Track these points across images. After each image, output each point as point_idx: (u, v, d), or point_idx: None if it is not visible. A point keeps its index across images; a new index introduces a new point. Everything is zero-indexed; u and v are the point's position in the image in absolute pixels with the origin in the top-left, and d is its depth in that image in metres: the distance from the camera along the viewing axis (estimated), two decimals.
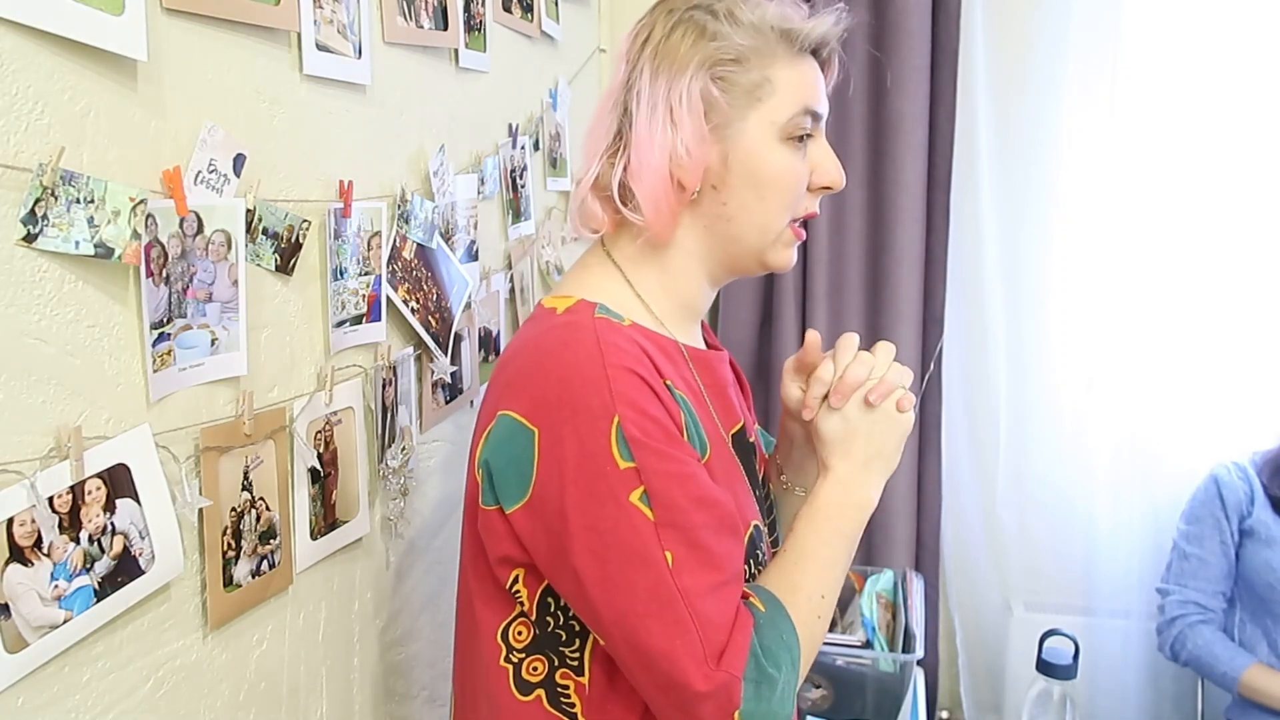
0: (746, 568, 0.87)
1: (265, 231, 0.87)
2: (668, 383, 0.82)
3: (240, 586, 0.86)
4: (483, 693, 0.88)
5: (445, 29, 1.19)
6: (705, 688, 0.74)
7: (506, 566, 0.84)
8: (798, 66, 0.87)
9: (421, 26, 1.14)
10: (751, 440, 1.00)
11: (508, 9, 1.41)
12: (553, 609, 0.85)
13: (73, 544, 0.68)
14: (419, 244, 1.13)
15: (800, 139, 0.87)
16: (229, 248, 0.82)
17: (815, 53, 0.89)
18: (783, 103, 0.85)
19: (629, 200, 0.87)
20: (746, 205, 0.87)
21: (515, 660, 0.86)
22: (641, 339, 0.83)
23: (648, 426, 0.77)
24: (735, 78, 0.84)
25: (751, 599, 0.81)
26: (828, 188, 0.91)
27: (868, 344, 0.92)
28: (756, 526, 0.91)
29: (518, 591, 0.85)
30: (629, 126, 0.86)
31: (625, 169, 0.86)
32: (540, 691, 0.86)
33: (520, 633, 0.86)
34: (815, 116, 0.88)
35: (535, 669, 0.86)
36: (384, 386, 1.08)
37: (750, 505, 0.92)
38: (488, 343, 1.38)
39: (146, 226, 0.72)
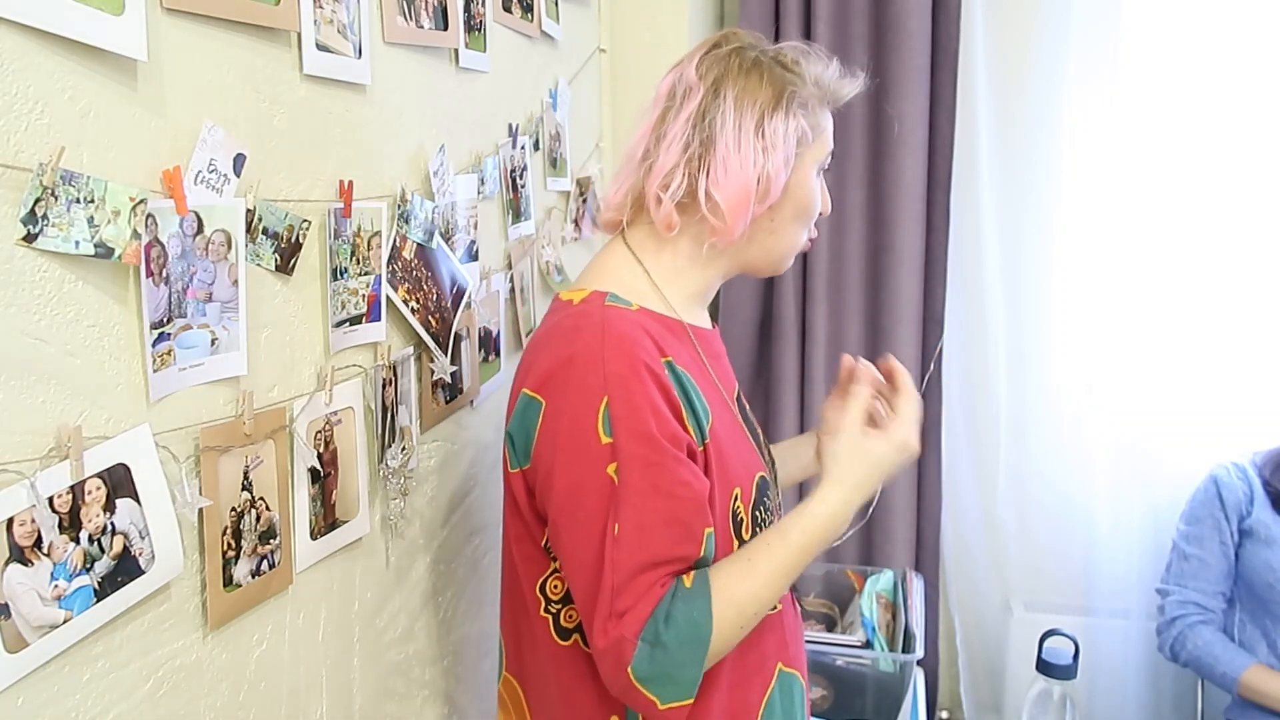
0: (757, 514, 1.00)
1: (265, 231, 0.87)
2: (668, 359, 0.93)
3: (240, 586, 0.86)
4: (526, 640, 1.03)
5: (445, 29, 1.19)
6: (601, 643, 0.86)
7: (541, 524, 0.97)
8: (828, 116, 1.04)
9: (421, 26, 1.14)
10: (746, 403, 1.13)
11: (508, 9, 1.41)
12: None
13: (73, 544, 0.68)
14: (419, 244, 1.13)
15: (820, 174, 1.05)
16: (229, 248, 0.82)
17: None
18: (823, 146, 1.03)
19: (704, 206, 0.98)
20: (786, 225, 1.03)
21: (554, 611, 0.99)
22: (648, 322, 0.95)
23: (635, 409, 0.88)
24: (806, 121, 0.99)
25: (685, 576, 0.89)
26: (822, 214, 1.09)
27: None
28: (763, 477, 1.03)
29: (551, 549, 0.97)
30: (711, 149, 0.96)
31: (708, 178, 0.97)
32: (577, 635, 0.98)
33: (556, 586, 0.99)
34: (831, 156, 1.06)
35: (572, 616, 0.98)
36: (384, 386, 1.08)
37: (756, 458, 1.05)
38: (488, 343, 1.38)
39: (146, 226, 0.72)
